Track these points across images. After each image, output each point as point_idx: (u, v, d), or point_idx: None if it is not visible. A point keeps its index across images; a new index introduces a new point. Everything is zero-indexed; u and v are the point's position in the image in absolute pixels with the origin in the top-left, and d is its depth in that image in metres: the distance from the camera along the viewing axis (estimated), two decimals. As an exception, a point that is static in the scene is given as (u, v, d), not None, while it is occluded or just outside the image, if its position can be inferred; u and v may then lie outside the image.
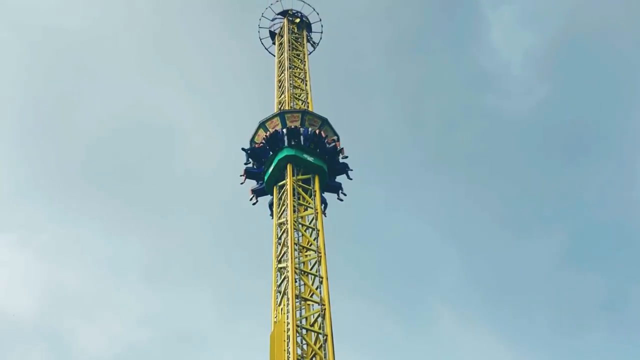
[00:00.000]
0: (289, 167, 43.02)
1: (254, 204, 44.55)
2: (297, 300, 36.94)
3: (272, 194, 43.55)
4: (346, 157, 45.09)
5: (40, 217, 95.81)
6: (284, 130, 44.44)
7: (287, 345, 34.62)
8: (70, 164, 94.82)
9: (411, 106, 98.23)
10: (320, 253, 39.61)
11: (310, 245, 40.34)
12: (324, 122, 45.86)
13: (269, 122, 45.76)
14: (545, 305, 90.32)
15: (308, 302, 37.60)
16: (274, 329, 36.11)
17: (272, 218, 42.39)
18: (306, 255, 39.83)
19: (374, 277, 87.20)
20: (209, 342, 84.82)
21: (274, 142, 44.27)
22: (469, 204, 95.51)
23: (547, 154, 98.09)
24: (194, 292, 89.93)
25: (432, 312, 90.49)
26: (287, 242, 39.80)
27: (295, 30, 58.17)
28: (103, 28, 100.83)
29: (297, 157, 43.25)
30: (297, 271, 38.42)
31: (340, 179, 45.41)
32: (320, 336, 35.87)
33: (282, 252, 40.05)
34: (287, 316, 35.87)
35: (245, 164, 45.13)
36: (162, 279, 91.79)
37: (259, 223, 45.00)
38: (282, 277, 38.75)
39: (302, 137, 43.96)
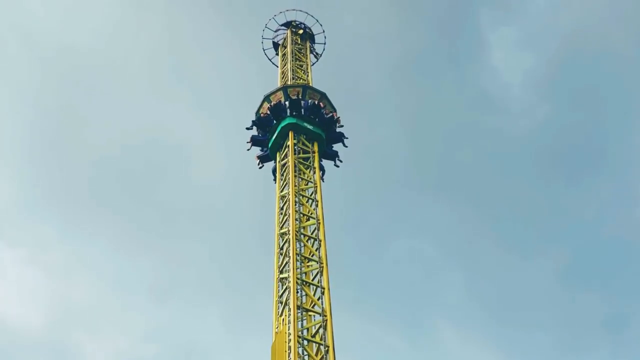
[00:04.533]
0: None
1: (260, 167, 48.22)
2: (298, 311, 36.71)
3: (275, 160, 46.88)
4: (342, 126, 48.87)
5: (50, 233, 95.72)
6: (287, 102, 47.82)
7: (289, 356, 34.43)
8: (80, 182, 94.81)
9: (413, 126, 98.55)
10: (322, 264, 39.36)
11: (312, 256, 40.09)
12: (323, 96, 49.41)
13: (273, 95, 49.19)
14: (547, 323, 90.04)
15: (310, 313, 37.35)
16: (275, 340, 35.84)
17: (275, 183, 45.67)
18: (308, 266, 39.60)
19: (375, 292, 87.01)
20: (215, 356, 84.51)
21: (277, 112, 47.82)
22: (471, 222, 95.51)
23: (548, 174, 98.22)
24: (200, 307, 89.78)
25: (435, 328, 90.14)
26: (288, 253, 39.56)
27: (299, 42, 58.16)
28: (113, 46, 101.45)
29: (298, 125, 46.86)
30: (299, 282, 38.15)
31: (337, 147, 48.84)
32: (322, 347, 35.51)
33: (284, 262, 39.84)
34: (289, 327, 35.64)
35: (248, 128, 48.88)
36: (169, 295, 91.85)
37: (263, 236, 45.02)
38: (284, 287, 38.52)
39: (302, 109, 47.51)
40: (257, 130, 48.81)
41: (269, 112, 48.00)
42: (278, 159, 46.48)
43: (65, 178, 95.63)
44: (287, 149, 46.08)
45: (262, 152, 48.36)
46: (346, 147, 48.60)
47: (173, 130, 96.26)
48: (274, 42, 59.35)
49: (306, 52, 57.39)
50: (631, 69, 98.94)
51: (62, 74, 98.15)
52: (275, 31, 59.67)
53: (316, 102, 48.08)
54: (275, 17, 59.76)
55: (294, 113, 47.38)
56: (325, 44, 59.21)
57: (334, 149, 48.47)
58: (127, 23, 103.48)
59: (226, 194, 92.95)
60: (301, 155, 45.76)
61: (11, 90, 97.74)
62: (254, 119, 48.88)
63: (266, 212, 46.31)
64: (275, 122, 47.66)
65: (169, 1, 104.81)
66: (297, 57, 56.07)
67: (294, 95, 48.48)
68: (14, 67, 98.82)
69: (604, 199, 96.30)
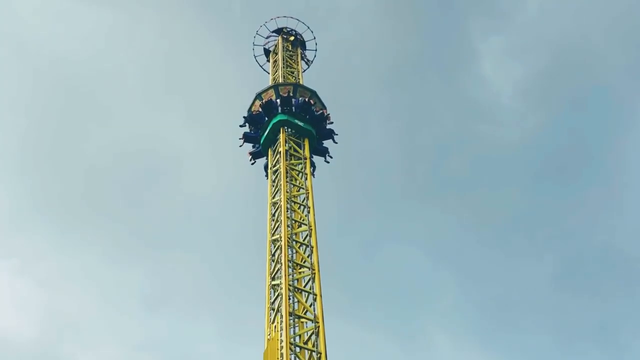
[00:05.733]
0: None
1: (252, 164, 49.20)
2: (290, 318, 36.56)
3: (267, 156, 47.89)
4: (332, 122, 49.84)
5: (43, 243, 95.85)
6: (278, 100, 49.03)
7: (281, 363, 34.11)
8: (73, 192, 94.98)
9: (404, 133, 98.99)
10: (314, 270, 39.25)
11: (304, 262, 39.97)
12: (313, 94, 50.50)
13: (265, 93, 50.31)
14: (540, 328, 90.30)
15: (302, 320, 37.20)
16: (267, 347, 35.70)
17: (267, 178, 46.43)
18: (300, 272, 39.44)
19: (368, 298, 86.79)
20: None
21: (269, 109, 48.94)
22: (462, 229, 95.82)
23: (538, 181, 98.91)
24: (193, 316, 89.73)
25: (428, 333, 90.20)
26: (280, 259, 39.43)
27: (290, 48, 58.16)
28: (107, 58, 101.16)
29: (289, 121, 47.95)
30: (291, 288, 38.01)
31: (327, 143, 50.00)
32: (314, 354, 35.41)
33: (276, 269, 39.73)
34: (281, 334, 35.46)
35: (241, 125, 49.95)
36: (163, 306, 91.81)
37: (256, 243, 44.94)
38: (276, 294, 38.40)
39: (293, 106, 48.75)
40: (249, 127, 49.92)
41: (260, 110, 49.18)
42: (270, 155, 47.41)
43: (58, 188, 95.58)
44: (278, 155, 46.22)
45: (254, 149, 49.35)
46: (336, 143, 49.88)
47: (165, 139, 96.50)
48: (265, 49, 59.33)
49: (297, 58, 57.42)
50: (620, 77, 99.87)
51: (54, 83, 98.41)
52: (267, 38, 59.74)
53: (306, 100, 49.25)
54: (266, 24, 59.92)
55: (285, 110, 48.48)
56: (316, 50, 59.40)
57: (324, 145, 49.57)
58: (120, 32, 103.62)
59: (218, 202, 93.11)
60: (293, 161, 45.92)
61: (3, 100, 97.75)
62: (245, 115, 49.94)
63: (258, 219, 46.34)
64: (266, 119, 48.67)
65: (161, 10, 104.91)
66: (288, 63, 56.08)
67: (284, 93, 49.62)
68: (7, 76, 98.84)
69: (594, 205, 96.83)
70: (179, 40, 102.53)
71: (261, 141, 48.45)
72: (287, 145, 46.57)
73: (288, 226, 41.20)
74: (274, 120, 47.92)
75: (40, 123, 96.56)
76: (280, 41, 58.39)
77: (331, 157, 49.42)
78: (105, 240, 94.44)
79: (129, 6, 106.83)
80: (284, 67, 55.05)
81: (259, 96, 50.20)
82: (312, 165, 47.33)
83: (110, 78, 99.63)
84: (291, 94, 49.45)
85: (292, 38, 58.90)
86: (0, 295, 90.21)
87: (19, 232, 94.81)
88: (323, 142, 49.55)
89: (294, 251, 40.38)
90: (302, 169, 45.77)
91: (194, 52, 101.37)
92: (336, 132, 49.81)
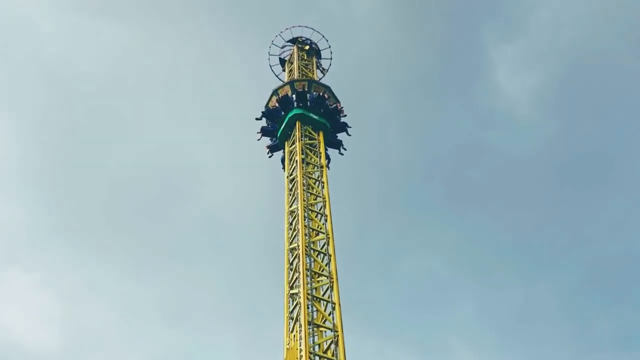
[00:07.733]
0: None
1: (270, 157, 51.13)
2: (309, 327, 36.34)
3: (284, 149, 49.70)
4: (345, 115, 51.70)
5: (64, 258, 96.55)
6: (294, 95, 50.93)
7: (300, 373, 33.81)
8: (94, 207, 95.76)
9: (421, 143, 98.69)
10: (332, 279, 39.00)
11: (322, 271, 39.72)
12: (327, 89, 52.35)
13: (281, 89, 52.34)
14: (561, 338, 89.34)
15: (321, 329, 36.95)
16: (286, 356, 35.45)
17: (284, 171, 48.05)
18: (318, 281, 39.20)
19: (386, 307, 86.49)
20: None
21: (285, 104, 51.12)
22: (481, 239, 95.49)
23: (556, 189, 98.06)
24: (213, 328, 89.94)
25: (446, 344, 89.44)
26: (298, 268, 39.17)
27: (305, 57, 58.10)
28: (126, 73, 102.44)
29: (304, 115, 49.96)
30: (309, 297, 37.72)
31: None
32: (334, 363, 35.03)
33: (294, 278, 39.49)
34: (300, 343, 35.21)
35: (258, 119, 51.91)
36: (183, 319, 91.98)
37: (275, 254, 44.71)
38: (294, 303, 38.15)
39: (308, 101, 50.63)
40: (267, 122, 51.88)
41: (277, 105, 51.27)
42: (286, 148, 49.22)
43: (79, 203, 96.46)
44: (295, 164, 46.17)
45: (271, 142, 51.30)
46: (350, 135, 51.56)
47: (184, 153, 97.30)
48: (280, 59, 59.31)
49: (312, 67, 57.36)
50: (635, 82, 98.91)
51: (77, 99, 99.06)
52: (282, 47, 59.69)
53: (321, 94, 51.24)
54: (281, 34, 59.91)
55: (300, 104, 50.43)
56: (331, 59, 59.25)
57: (338, 138, 51.32)
58: (138, 47, 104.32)
59: (236, 212, 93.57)
60: (309, 169, 46.03)
61: (26, 115, 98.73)
62: (263, 110, 51.75)
63: (276, 228, 46.17)
64: (282, 113, 50.74)
65: (178, 25, 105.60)
66: (303, 72, 56.01)
67: (300, 88, 51.32)
68: (30, 92, 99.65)
69: (614, 215, 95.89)
70: (195, 53, 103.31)
71: (278, 134, 50.38)
72: (303, 154, 46.41)
73: (305, 235, 41.08)
74: (290, 114, 49.88)
75: (61, 139, 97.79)
76: (295, 50, 58.41)
77: (345, 149, 51.09)
78: (126, 254, 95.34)
79: (146, 21, 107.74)
80: (299, 75, 54.97)
81: (275, 92, 51.96)
82: (327, 157, 48.57)
83: (130, 93, 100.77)
84: (306, 89, 51.06)
85: (307, 47, 58.87)
86: (22, 309, 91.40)
87: (40, 246, 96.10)
88: (337, 135, 51.14)
89: (312, 260, 40.20)
90: (318, 177, 45.62)
91: (210, 64, 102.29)
92: (349, 125, 51.41)
